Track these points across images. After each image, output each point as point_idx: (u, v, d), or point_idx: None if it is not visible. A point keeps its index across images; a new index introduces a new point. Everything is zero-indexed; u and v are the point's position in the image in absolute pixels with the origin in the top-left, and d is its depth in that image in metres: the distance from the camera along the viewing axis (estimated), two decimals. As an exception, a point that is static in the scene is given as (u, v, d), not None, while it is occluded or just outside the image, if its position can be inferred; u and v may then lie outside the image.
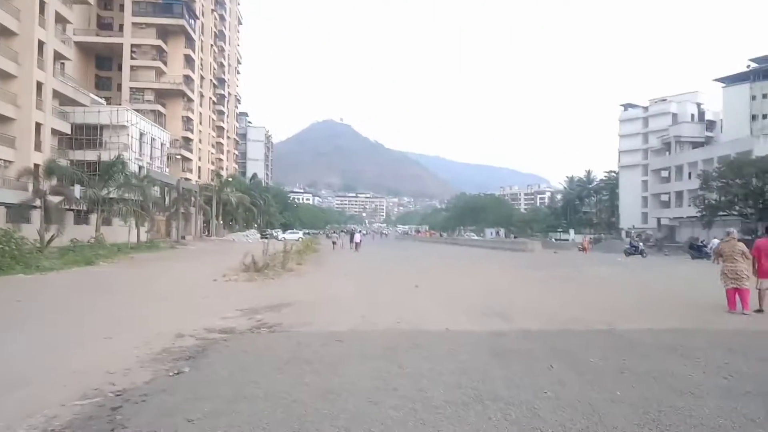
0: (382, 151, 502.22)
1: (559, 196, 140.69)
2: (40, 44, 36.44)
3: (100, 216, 30.98)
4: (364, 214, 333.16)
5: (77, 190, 32.58)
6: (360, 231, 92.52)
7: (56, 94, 39.61)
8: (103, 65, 67.79)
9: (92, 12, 66.75)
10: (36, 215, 26.35)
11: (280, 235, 70.37)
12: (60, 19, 39.95)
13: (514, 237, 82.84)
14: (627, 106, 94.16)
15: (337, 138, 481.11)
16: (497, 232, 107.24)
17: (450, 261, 29.36)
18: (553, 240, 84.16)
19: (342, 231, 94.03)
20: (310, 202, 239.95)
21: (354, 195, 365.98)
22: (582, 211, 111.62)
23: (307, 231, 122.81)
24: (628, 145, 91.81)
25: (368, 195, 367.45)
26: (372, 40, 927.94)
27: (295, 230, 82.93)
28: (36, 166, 30.19)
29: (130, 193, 34.94)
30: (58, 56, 39.55)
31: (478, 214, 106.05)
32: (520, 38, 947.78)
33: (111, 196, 32.42)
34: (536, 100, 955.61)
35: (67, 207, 29.02)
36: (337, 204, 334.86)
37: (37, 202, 24.77)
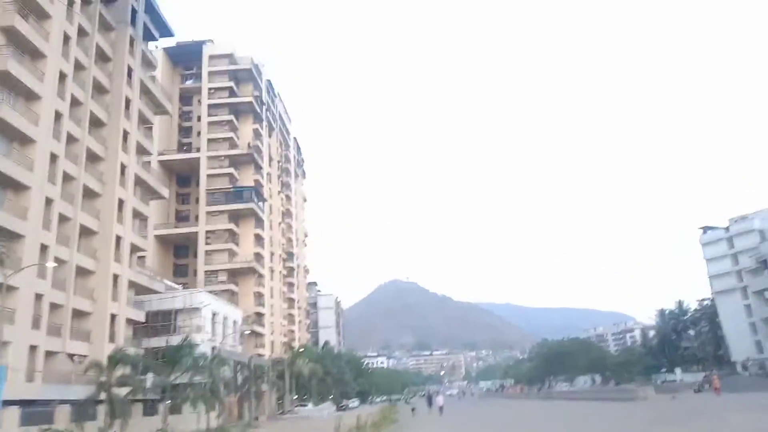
0: (450, 304, 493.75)
1: (651, 333, 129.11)
2: (118, 239, 38.83)
3: (166, 405, 29.66)
4: (442, 373, 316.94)
5: (149, 380, 31.87)
6: (439, 393, 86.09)
7: (132, 284, 41.16)
8: (180, 253, 71.98)
9: (171, 207, 72.88)
10: (103, 411, 25.34)
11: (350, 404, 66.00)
12: (137, 215, 43.04)
13: (616, 384, 74.27)
14: (706, 229, 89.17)
15: (405, 296, 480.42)
16: (592, 380, 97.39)
17: (561, 426, 24.92)
18: (658, 383, 74.98)
19: (422, 394, 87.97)
20: (385, 365, 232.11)
21: (429, 353, 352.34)
22: (682, 346, 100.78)
23: (386, 397, 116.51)
24: (717, 269, 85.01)
25: (443, 352, 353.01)
26: (430, 203, 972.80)
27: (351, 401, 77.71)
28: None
29: (199, 376, 33.84)
30: (134, 249, 41.86)
31: (567, 361, 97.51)
32: (573, 171, 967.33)
33: (179, 381, 31.38)
34: (606, 234, 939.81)
35: (133, 398, 28.03)
36: (412, 365, 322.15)
37: (102, 396, 23.91)
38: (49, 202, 31.91)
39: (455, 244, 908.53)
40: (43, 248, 30.77)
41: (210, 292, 58.66)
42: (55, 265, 28.05)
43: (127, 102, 42.43)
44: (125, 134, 41.42)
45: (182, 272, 70.43)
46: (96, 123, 38.98)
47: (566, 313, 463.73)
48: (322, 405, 63.87)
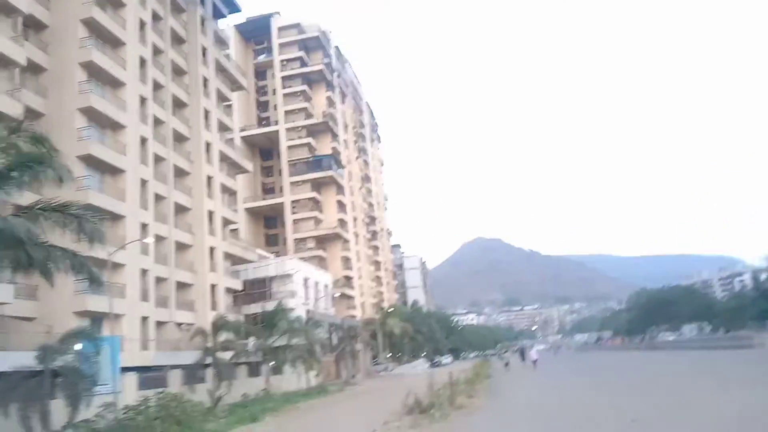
0: (539, 258, 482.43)
1: (764, 276, 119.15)
2: (210, 213, 40.79)
3: (268, 367, 31.23)
4: (534, 328, 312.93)
5: (251, 343, 33.62)
6: (533, 346, 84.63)
7: (227, 255, 43.31)
8: (269, 224, 74.92)
9: (257, 181, 75.63)
10: (210, 374, 27.08)
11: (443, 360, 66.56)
12: (225, 190, 44.91)
13: (726, 332, 69.55)
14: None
15: (490, 253, 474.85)
16: (699, 329, 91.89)
17: (667, 378, 23.17)
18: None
19: (515, 349, 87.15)
20: (475, 322, 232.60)
21: (519, 309, 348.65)
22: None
23: (478, 353, 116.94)
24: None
25: (535, 307, 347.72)
26: (509, 155, 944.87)
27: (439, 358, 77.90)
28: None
29: (296, 338, 35.27)
30: (226, 222, 43.85)
31: (669, 310, 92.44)
32: (662, 105, 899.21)
33: (279, 344, 32.88)
34: (704, 171, 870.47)
35: (237, 362, 29.71)
36: (503, 320, 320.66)
37: (208, 360, 25.51)
38: (143, 183, 33.88)
39: (539, 196, 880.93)
40: (143, 226, 32.86)
41: (300, 258, 60.81)
42: (152, 240, 29.91)
43: (205, 81, 43.80)
44: (206, 113, 42.93)
45: (273, 242, 73.42)
46: (178, 104, 40.63)
47: (665, 261, 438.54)
48: (416, 362, 65.02)
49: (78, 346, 16.24)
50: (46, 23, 29.87)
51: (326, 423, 18.52)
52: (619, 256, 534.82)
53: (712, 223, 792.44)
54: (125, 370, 22.80)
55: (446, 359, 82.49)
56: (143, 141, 34.55)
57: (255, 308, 48.60)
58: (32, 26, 29.31)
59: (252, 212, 71.44)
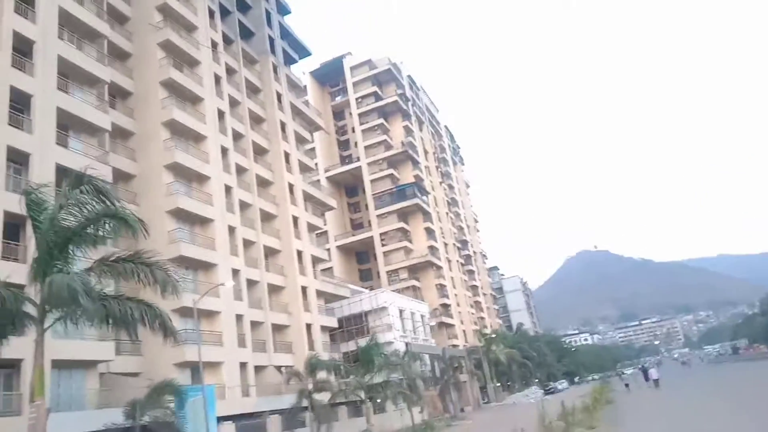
0: (653, 267, 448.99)
1: None
2: (299, 253, 41.05)
3: (368, 406, 30.05)
4: (657, 342, 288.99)
5: (348, 382, 32.67)
6: (653, 364, 77.53)
7: (320, 293, 43.20)
8: (361, 259, 75.09)
9: (345, 218, 76.47)
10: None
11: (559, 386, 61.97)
12: (312, 228, 45.26)
13: None
14: None
15: (597, 267, 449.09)
16: None
17: None
18: None
19: (639, 367, 79.81)
20: (589, 342, 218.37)
21: (637, 323, 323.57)
22: None
23: (596, 375, 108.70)
24: None
25: (654, 319, 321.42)
26: (607, 161, 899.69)
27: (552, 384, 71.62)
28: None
29: (394, 373, 33.95)
30: (316, 260, 43.96)
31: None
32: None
33: (376, 381, 31.67)
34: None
35: (336, 402, 28.82)
36: (620, 338, 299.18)
37: (305, 403, 24.76)
38: (231, 229, 34.62)
39: (644, 201, 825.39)
40: (234, 272, 33.37)
41: (394, 290, 59.88)
42: (232, 284, 30.06)
43: (283, 125, 44.87)
44: (287, 155, 43.79)
45: (366, 276, 73.34)
46: (259, 150, 41.75)
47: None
48: (527, 390, 61.07)
49: (169, 399, 15.94)
50: (129, 90, 31.80)
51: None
52: (742, 255, 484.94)
53: None
54: (224, 419, 22.55)
55: (561, 384, 77.10)
56: (228, 189, 35.50)
57: (352, 345, 48.03)
58: (118, 94, 31.31)
59: (343, 249, 72.00)
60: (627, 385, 46.37)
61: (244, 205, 37.53)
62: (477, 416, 42.14)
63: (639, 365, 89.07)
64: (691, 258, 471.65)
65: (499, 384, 67.86)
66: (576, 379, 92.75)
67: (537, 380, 74.86)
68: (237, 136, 39.06)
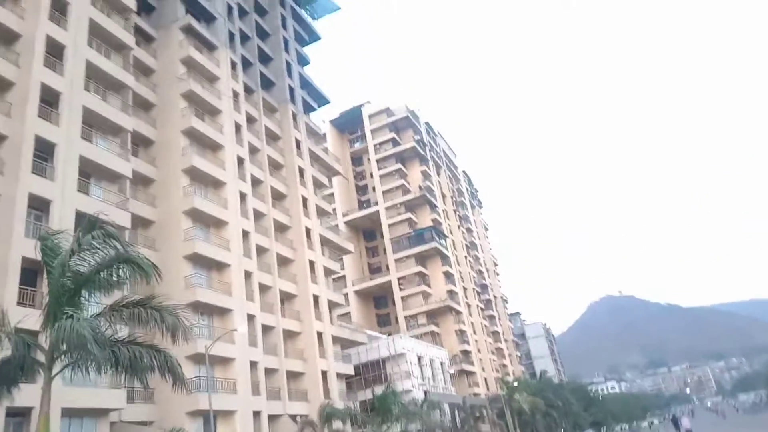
0: (680, 312, 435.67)
1: None
2: (315, 298, 40.75)
3: (384, 457, 29.05)
4: (687, 391, 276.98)
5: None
6: (684, 414, 74.58)
7: (336, 339, 42.59)
8: (379, 304, 74.37)
9: (363, 263, 76.26)
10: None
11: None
12: (329, 273, 45.09)
13: None
14: None
15: (623, 312, 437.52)
16: None
17: None
18: None
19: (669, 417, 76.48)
20: (616, 390, 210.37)
21: (666, 370, 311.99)
22: None
23: (625, 425, 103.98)
24: None
25: (683, 366, 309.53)
26: (632, 205, 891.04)
27: None
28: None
29: (412, 423, 32.90)
30: (332, 305, 43.58)
31: None
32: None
33: (393, 431, 30.67)
34: None
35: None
36: (649, 386, 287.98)
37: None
38: (248, 275, 34.59)
39: (670, 244, 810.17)
40: (250, 318, 33.16)
41: (412, 336, 58.78)
42: (243, 331, 29.80)
43: (301, 171, 45.47)
44: (304, 200, 44.16)
45: (384, 322, 72.36)
46: (277, 196, 42.21)
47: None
48: (553, 443, 58.50)
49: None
50: (152, 138, 32.67)
51: None
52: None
53: None
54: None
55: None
56: (245, 234, 35.70)
57: (369, 393, 46.87)
58: (141, 142, 32.16)
59: (361, 294, 71.47)
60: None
61: (261, 250, 37.64)
62: (499, 469, 40.37)
63: (669, 414, 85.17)
64: (722, 302, 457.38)
65: (523, 435, 65.21)
66: (603, 429, 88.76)
67: (563, 430, 71.74)
68: (256, 182, 39.61)
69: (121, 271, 13.66)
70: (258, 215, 38.56)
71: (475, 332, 77.18)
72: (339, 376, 41.12)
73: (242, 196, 36.75)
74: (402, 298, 69.19)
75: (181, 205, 31.13)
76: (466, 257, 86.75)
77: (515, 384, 70.58)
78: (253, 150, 40.79)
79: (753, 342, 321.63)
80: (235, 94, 39.76)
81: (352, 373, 44.13)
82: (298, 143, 46.70)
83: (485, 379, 74.33)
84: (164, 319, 12.89)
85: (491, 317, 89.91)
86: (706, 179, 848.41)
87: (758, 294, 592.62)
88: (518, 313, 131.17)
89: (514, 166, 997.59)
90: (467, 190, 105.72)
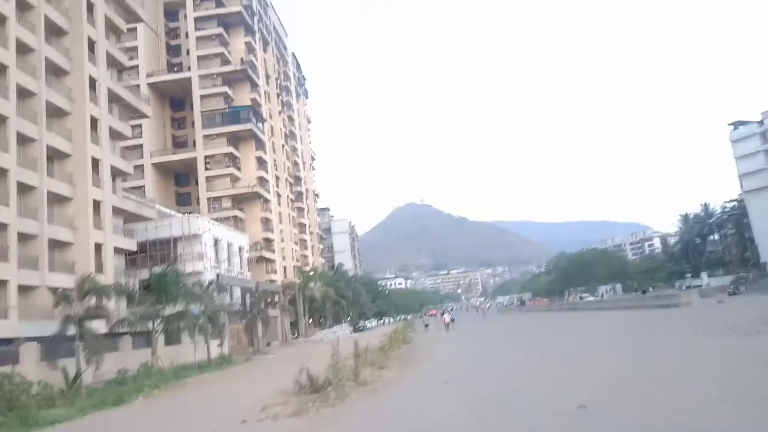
0: (467, 225, 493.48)
1: (672, 240, 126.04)
2: (95, 161, 35.15)
3: (155, 337, 27.04)
4: (459, 291, 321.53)
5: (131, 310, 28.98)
6: (449, 310, 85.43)
7: (118, 211, 37.90)
8: (181, 182, 68.79)
9: (167, 133, 68.90)
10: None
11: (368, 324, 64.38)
12: (117, 135, 39.13)
13: (643, 292, 71.51)
14: (737, 124, 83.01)
15: (421, 219, 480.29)
16: (612, 289, 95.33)
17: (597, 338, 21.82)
18: (683, 288, 72.38)
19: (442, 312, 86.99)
20: (403, 286, 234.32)
21: (446, 272, 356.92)
22: (707, 251, 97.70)
23: (404, 317, 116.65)
24: (748, 167, 79.81)
25: (460, 270, 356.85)
26: (443, 121, 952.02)
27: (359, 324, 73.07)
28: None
29: (195, 304, 31.20)
30: (117, 172, 38.26)
31: (586, 272, 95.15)
32: (587, 73, 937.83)
33: (172, 311, 28.63)
34: (623, 143, 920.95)
35: (119, 332, 25.42)
36: (430, 284, 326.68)
37: (73, 331, 21.09)
38: (2, 119, 27.96)
39: (470, 164, 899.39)
40: (2, 172, 27.21)
41: (214, 219, 55.74)
42: None
43: (90, 6, 37.23)
44: (91, 43, 36.59)
45: (185, 201, 67.61)
46: (54, 30, 34.18)
47: (583, 227, 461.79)
48: (337, 327, 62.40)
49: None
50: None
51: (197, 407, 15.02)
52: (541, 222, 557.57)
53: (627, 192, 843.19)
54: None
55: (370, 323, 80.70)
56: (2, 68, 28.43)
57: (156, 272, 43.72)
58: None
59: (161, 168, 65.14)
60: (427, 326, 49.77)
61: (25, 93, 30.58)
62: (281, 351, 41.47)
63: (442, 309, 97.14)
64: (500, 220, 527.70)
65: (311, 320, 68.45)
66: (386, 319, 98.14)
67: (349, 318, 77.20)
68: (24, 6, 31.32)
69: None
70: (23, 48, 30.88)
71: (281, 222, 76.64)
72: (118, 250, 37.10)
73: (1, 19, 28.83)
74: (207, 178, 64.75)
75: None
76: (283, 146, 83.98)
77: (311, 273, 72.97)
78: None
79: (517, 255, 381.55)
80: None
81: (135, 249, 40.25)
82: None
83: (285, 268, 75.23)
84: None
85: (300, 209, 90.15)
86: (500, 112, 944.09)
87: (527, 216, 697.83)
88: (327, 209, 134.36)
89: (346, 60, 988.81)
90: (294, 75, 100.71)
